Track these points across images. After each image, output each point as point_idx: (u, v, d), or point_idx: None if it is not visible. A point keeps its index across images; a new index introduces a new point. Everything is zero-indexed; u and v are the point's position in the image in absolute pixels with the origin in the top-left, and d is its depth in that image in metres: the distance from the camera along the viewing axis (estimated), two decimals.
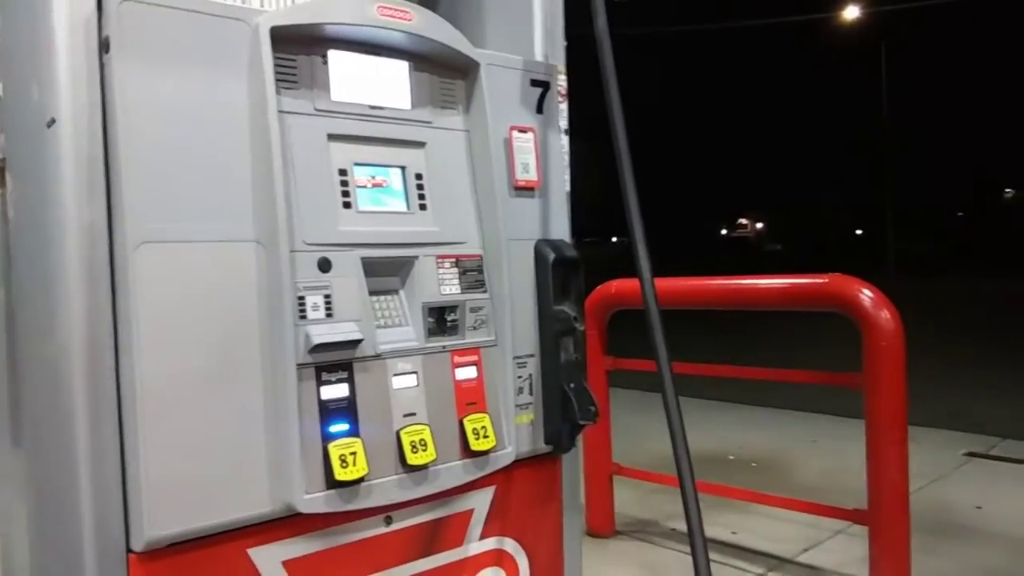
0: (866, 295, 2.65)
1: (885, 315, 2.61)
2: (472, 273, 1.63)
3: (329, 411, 1.40)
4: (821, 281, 2.79)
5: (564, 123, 1.83)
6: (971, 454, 4.71)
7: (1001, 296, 17.09)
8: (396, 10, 1.51)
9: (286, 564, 1.41)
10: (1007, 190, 49.42)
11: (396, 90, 1.58)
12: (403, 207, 1.57)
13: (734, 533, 3.52)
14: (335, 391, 1.42)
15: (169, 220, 1.26)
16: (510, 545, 1.75)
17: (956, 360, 8.67)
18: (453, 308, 1.60)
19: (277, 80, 1.38)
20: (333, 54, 1.49)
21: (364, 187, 1.51)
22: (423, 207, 1.59)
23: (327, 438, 1.39)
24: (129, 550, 1.25)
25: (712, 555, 3.23)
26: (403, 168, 1.57)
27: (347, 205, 1.48)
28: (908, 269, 24.14)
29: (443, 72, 1.64)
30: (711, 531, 3.49)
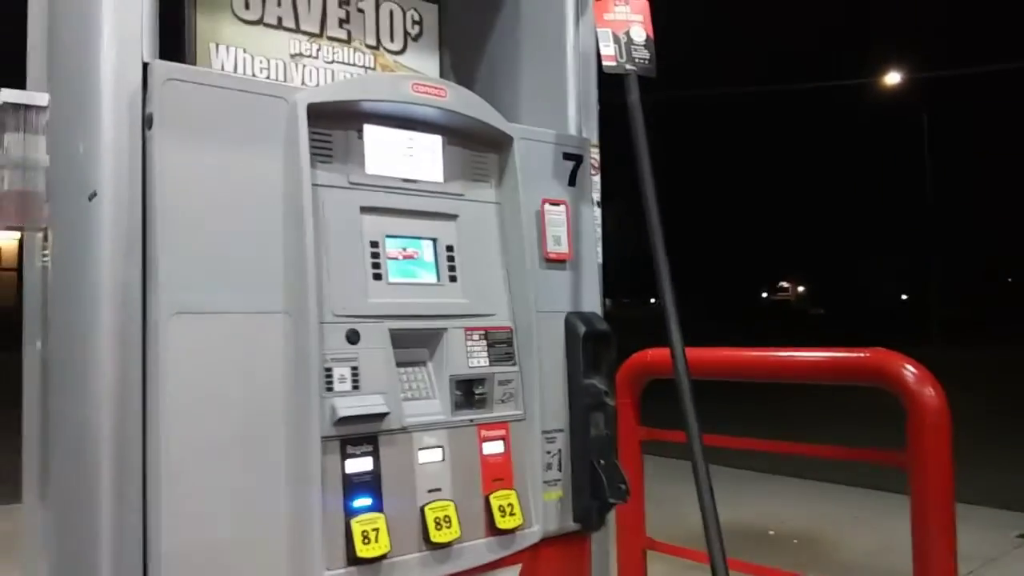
0: (909, 371, 2.56)
1: (929, 392, 2.52)
2: (501, 345, 1.62)
3: (353, 485, 1.38)
4: (863, 355, 2.72)
5: (597, 195, 1.83)
6: None
7: None
8: (431, 87, 1.54)
9: None
10: None
11: (429, 164, 1.60)
12: (433, 279, 1.57)
13: None
14: (359, 464, 1.40)
15: (203, 291, 1.28)
16: None
17: (1006, 436, 8.35)
18: (481, 381, 1.58)
19: (312, 154, 1.41)
20: (369, 129, 1.52)
21: (395, 259, 1.52)
22: (453, 279, 1.59)
23: (350, 513, 1.37)
24: None
25: None
26: (434, 240, 1.58)
27: (377, 277, 1.49)
28: (954, 338, 23.54)
29: (476, 146, 1.67)
30: None
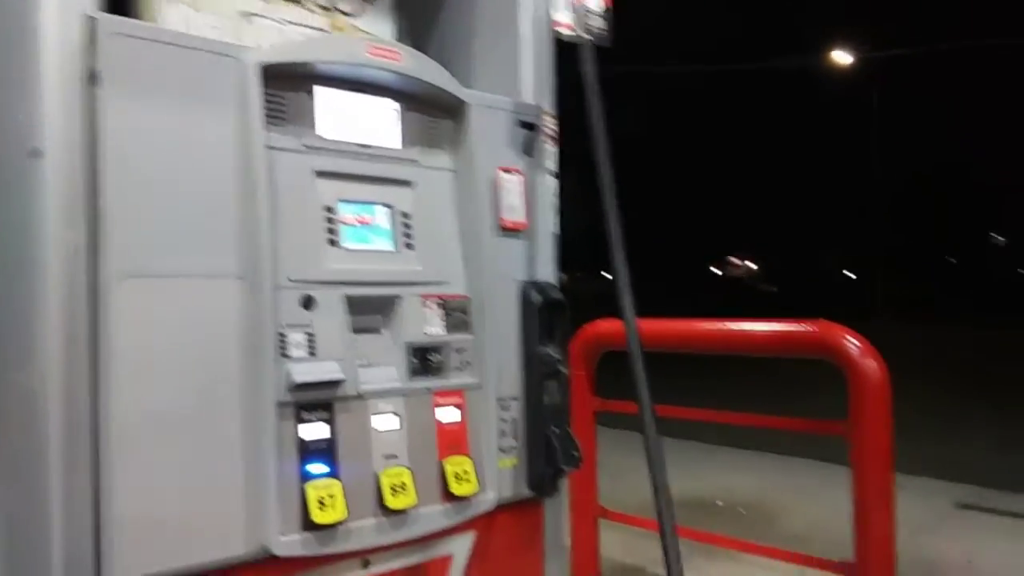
0: (852, 343, 2.64)
1: (871, 364, 2.59)
2: (457, 313, 1.62)
3: (308, 451, 1.38)
4: (808, 328, 2.78)
5: (552, 165, 1.83)
6: (961, 505, 4.67)
7: (991, 343, 17.16)
8: (386, 50, 1.52)
9: None
10: (995, 236, 49.90)
11: (385, 129, 1.58)
12: (389, 246, 1.56)
13: None
14: (315, 431, 1.39)
15: (153, 255, 1.25)
16: None
17: (946, 408, 8.66)
18: (437, 349, 1.58)
19: (266, 116, 1.38)
20: (319, 90, 1.49)
21: (350, 225, 1.51)
22: (409, 246, 1.58)
23: (305, 479, 1.37)
24: None
25: None
26: (390, 207, 1.57)
27: (332, 242, 1.47)
28: (899, 314, 24.23)
29: (431, 112, 1.65)
30: None
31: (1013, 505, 4.64)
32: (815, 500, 4.69)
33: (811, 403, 3.92)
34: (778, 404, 3.95)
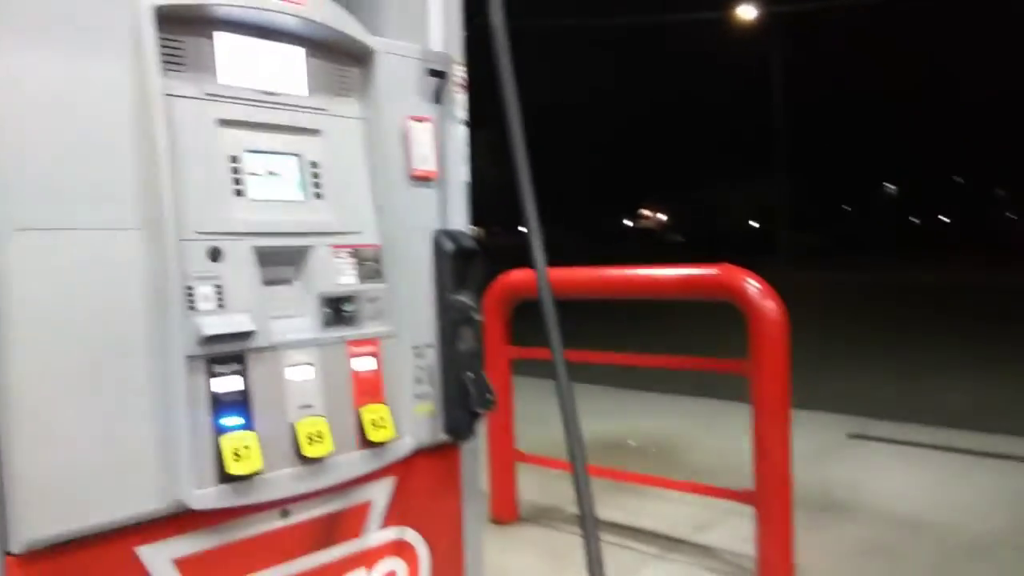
0: (752, 285, 2.77)
1: (770, 304, 2.73)
2: (369, 263, 1.62)
3: (221, 404, 1.37)
4: (711, 271, 2.90)
5: (462, 114, 1.83)
6: (854, 435, 4.99)
7: (882, 285, 18.15)
8: None
9: (177, 562, 1.37)
10: (887, 185, 52.23)
11: (290, 76, 1.55)
12: (298, 196, 1.54)
13: (630, 515, 3.63)
14: (227, 383, 1.38)
15: (47, 206, 1.20)
16: (410, 535, 1.75)
17: (840, 347, 9.16)
18: (350, 298, 1.58)
19: (163, 62, 1.33)
20: (220, 36, 1.45)
21: (257, 175, 1.48)
22: (318, 196, 1.56)
23: (219, 431, 1.36)
24: (7, 552, 1.19)
25: (611, 537, 3.34)
26: (298, 156, 1.55)
27: (239, 193, 1.44)
28: (799, 261, 25.30)
29: (339, 59, 1.62)
30: (611, 515, 3.59)
31: (897, 433, 4.99)
32: (720, 435, 4.93)
33: (715, 348, 4.09)
34: (684, 349, 4.11)
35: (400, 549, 1.73)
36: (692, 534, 3.42)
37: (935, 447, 4.63)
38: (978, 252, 29.86)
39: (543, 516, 3.70)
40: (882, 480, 4.12)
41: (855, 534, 3.41)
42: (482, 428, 1.87)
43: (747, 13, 27.81)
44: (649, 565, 3.16)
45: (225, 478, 1.36)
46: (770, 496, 2.81)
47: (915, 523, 3.50)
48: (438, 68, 1.77)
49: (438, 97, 1.77)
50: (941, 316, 12.41)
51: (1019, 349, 8.68)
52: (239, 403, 1.39)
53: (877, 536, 3.38)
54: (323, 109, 1.59)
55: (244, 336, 1.39)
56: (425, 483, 1.77)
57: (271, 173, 1.50)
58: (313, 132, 1.57)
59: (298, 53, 1.56)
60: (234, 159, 1.44)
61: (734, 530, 3.33)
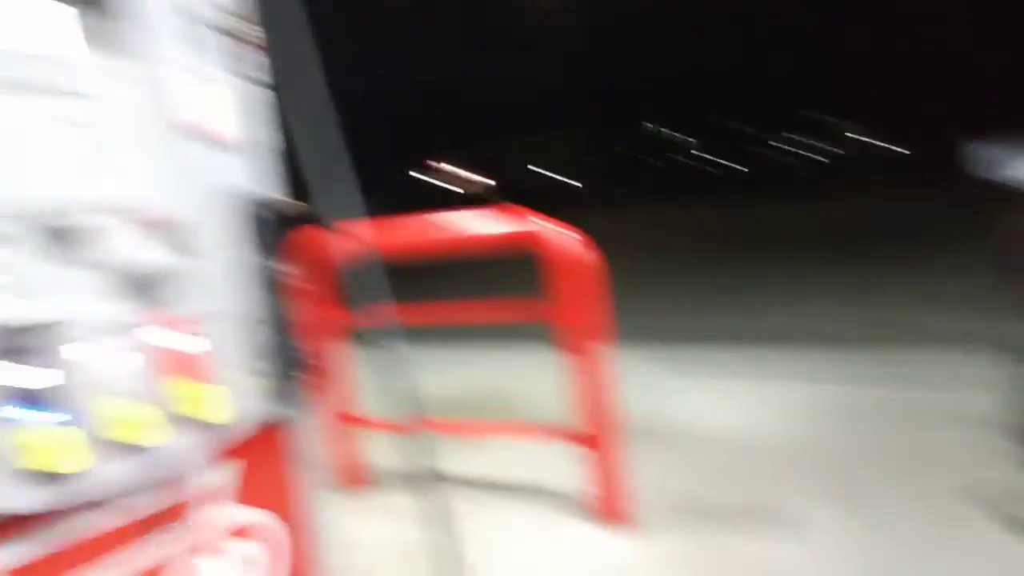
0: (535, 223, 2.84)
1: (564, 241, 2.81)
2: (169, 235, 1.52)
3: (21, 398, 1.25)
4: (519, 227, 2.89)
5: (258, 74, 1.75)
6: (677, 371, 5.31)
7: (668, 223, 19.47)
8: None
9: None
10: (648, 124, 53.71)
11: (55, 34, 1.40)
12: (79, 166, 1.40)
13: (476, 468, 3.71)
14: (24, 377, 1.26)
15: None
16: (254, 514, 1.69)
17: (652, 284, 9.71)
18: (152, 275, 1.48)
19: None
20: None
21: (31, 144, 1.33)
22: (104, 166, 1.43)
23: (21, 427, 1.24)
24: None
25: (457, 491, 3.39)
26: (72, 122, 1.40)
27: (11, 168, 1.30)
28: (579, 206, 26.26)
29: (111, 15, 1.48)
30: (456, 469, 3.65)
31: (717, 363, 5.40)
32: (552, 379, 5.10)
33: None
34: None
35: (245, 530, 1.67)
36: (534, 479, 3.54)
37: (747, 375, 5.03)
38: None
39: (393, 479, 3.70)
40: (704, 409, 4.40)
41: (683, 461, 3.65)
42: (323, 399, 1.83)
43: None
44: (495, 513, 3.25)
45: (37, 478, 1.25)
46: (601, 433, 2.96)
47: (732, 443, 3.81)
48: (224, 26, 1.66)
49: (230, 58, 1.67)
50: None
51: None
52: (41, 396, 1.28)
53: (701, 460, 3.65)
54: (97, 70, 1.44)
55: (40, 324, 1.27)
56: (261, 460, 1.72)
57: (44, 142, 1.35)
58: (88, 96, 1.43)
59: (67, 10, 1.41)
60: None
61: (571, 469, 3.47)
